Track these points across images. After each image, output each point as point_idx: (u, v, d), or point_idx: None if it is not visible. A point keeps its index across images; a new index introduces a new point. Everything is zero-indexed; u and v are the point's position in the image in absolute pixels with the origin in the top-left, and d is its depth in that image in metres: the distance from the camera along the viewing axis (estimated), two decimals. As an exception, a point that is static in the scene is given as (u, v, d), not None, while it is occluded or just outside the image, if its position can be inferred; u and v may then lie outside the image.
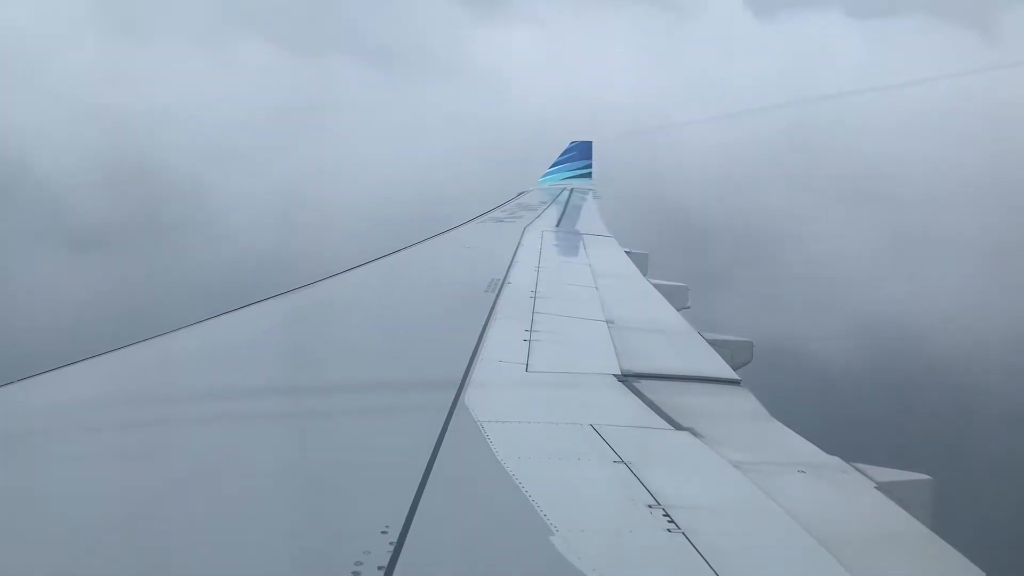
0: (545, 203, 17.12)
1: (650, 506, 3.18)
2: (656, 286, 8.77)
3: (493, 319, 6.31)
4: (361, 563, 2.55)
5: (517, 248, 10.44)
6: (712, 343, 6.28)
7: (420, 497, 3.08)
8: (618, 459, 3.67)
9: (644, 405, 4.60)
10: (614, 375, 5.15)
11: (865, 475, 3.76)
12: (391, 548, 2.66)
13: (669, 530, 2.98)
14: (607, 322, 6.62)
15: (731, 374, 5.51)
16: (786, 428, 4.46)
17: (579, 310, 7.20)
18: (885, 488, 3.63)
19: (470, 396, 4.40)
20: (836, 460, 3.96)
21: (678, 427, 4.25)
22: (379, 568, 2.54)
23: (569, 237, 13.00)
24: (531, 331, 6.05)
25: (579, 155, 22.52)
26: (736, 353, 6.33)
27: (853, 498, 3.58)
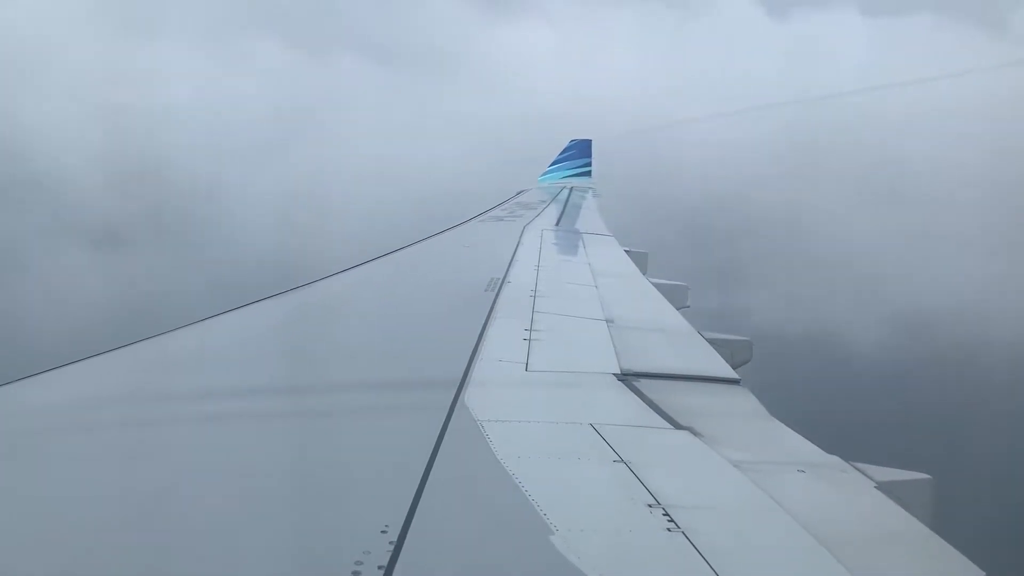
0: (545, 202, 17.12)
1: (650, 505, 3.18)
2: (656, 285, 8.77)
3: (493, 318, 6.31)
4: (361, 563, 2.55)
5: (517, 247, 10.43)
6: (712, 342, 6.29)
7: (420, 497, 3.08)
8: (618, 458, 3.67)
9: (644, 404, 4.59)
10: (614, 374, 5.15)
11: (865, 474, 3.76)
12: (391, 548, 2.66)
13: (669, 529, 2.98)
14: (607, 321, 6.62)
15: (731, 373, 5.51)
16: (786, 427, 4.46)
17: (579, 309, 7.20)
18: (885, 487, 3.63)
19: (470, 395, 4.40)
20: (836, 459, 3.96)
21: (678, 426, 4.25)
22: (379, 568, 2.54)
23: (569, 236, 13.00)
24: (531, 330, 6.04)
25: (578, 153, 22.51)
26: (736, 352, 6.33)
27: (853, 497, 3.58)
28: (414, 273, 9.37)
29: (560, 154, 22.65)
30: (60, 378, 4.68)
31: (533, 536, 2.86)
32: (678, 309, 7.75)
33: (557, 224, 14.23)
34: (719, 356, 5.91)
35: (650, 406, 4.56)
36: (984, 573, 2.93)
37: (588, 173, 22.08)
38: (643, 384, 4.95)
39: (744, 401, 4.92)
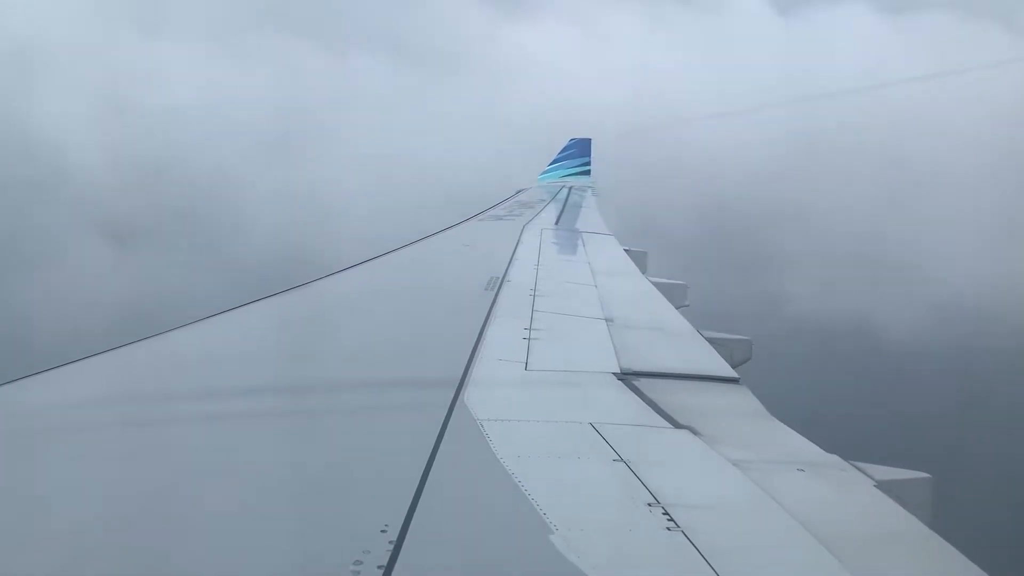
0: (544, 201, 17.13)
1: (649, 505, 3.18)
2: (655, 284, 8.78)
3: (492, 317, 6.31)
4: (361, 562, 2.55)
5: (516, 246, 10.43)
6: (711, 341, 6.29)
7: (419, 496, 3.08)
8: (617, 458, 3.67)
9: (643, 403, 4.60)
10: (613, 373, 5.15)
11: (864, 473, 3.76)
12: (391, 547, 2.66)
13: (669, 529, 2.98)
14: (606, 320, 6.62)
15: (730, 372, 5.51)
16: (785, 426, 4.47)
17: (578, 308, 7.20)
18: (884, 486, 3.63)
19: (469, 395, 4.40)
20: (835, 458, 3.96)
21: (677, 425, 4.25)
22: (379, 567, 2.54)
23: (568, 235, 13.01)
24: (530, 329, 6.05)
25: (578, 152, 22.54)
26: (735, 351, 6.34)
27: (852, 496, 3.58)
28: (414, 272, 9.36)
29: (560, 153, 22.68)
30: (60, 378, 4.68)
31: (533, 535, 2.86)
32: (678, 308, 7.76)
33: (557, 223, 14.24)
34: (718, 355, 5.91)
35: (650, 405, 4.56)
36: (984, 572, 2.93)
37: (588, 172, 22.10)
38: (643, 383, 4.95)
39: (744, 400, 4.92)
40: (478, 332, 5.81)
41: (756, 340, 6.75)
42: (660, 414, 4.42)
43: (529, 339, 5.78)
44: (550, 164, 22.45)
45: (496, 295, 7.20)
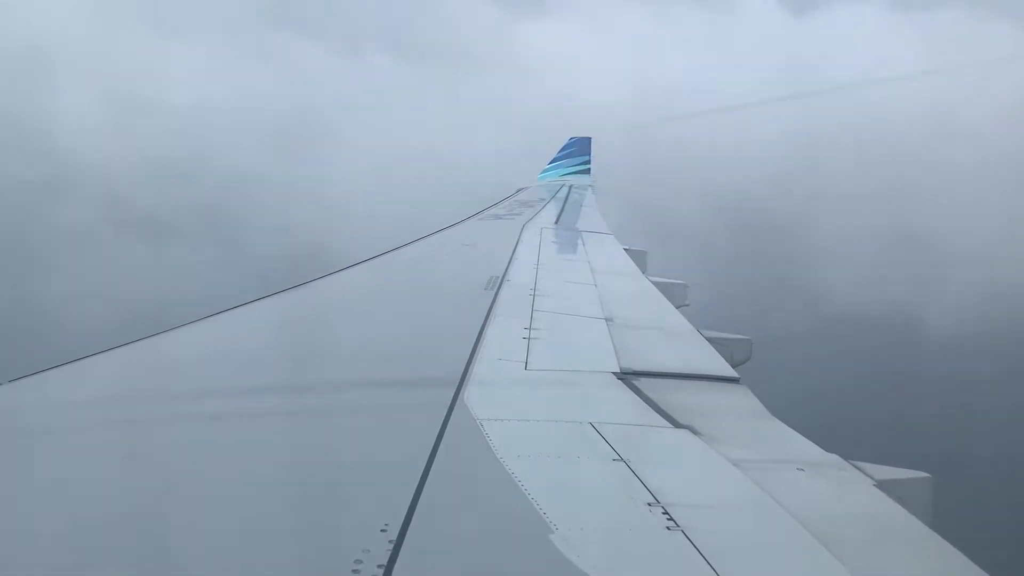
0: (544, 200, 17.11)
1: (649, 504, 3.18)
2: (655, 283, 8.78)
3: (492, 317, 6.31)
4: (361, 561, 2.55)
5: (516, 245, 10.42)
6: (711, 341, 6.29)
7: (419, 495, 3.08)
8: (617, 457, 3.67)
9: (643, 403, 4.60)
10: (613, 373, 5.15)
11: (864, 473, 3.76)
12: (390, 546, 2.66)
13: (668, 528, 2.98)
14: (606, 320, 6.62)
15: (730, 372, 5.51)
16: (785, 426, 4.47)
17: (578, 308, 7.20)
18: (884, 486, 3.64)
19: (469, 394, 4.40)
20: (835, 458, 3.96)
21: (677, 425, 4.25)
22: (379, 566, 2.54)
23: (568, 234, 13.00)
24: (530, 329, 6.04)
25: (578, 151, 22.52)
26: (735, 351, 6.34)
27: (852, 496, 3.58)
28: (414, 271, 9.36)
29: (560, 151, 22.66)
30: (60, 377, 4.67)
31: (533, 535, 2.86)
32: (677, 308, 7.76)
33: (556, 222, 14.23)
34: (718, 355, 5.91)
35: (649, 405, 4.56)
36: (984, 572, 2.93)
37: (588, 171, 22.08)
38: (643, 383, 4.95)
39: (743, 400, 4.92)
40: (478, 331, 5.81)
41: (756, 340, 6.75)
42: (660, 414, 4.41)
43: (529, 338, 5.78)
44: (550, 163, 22.43)
45: (496, 294, 7.19)
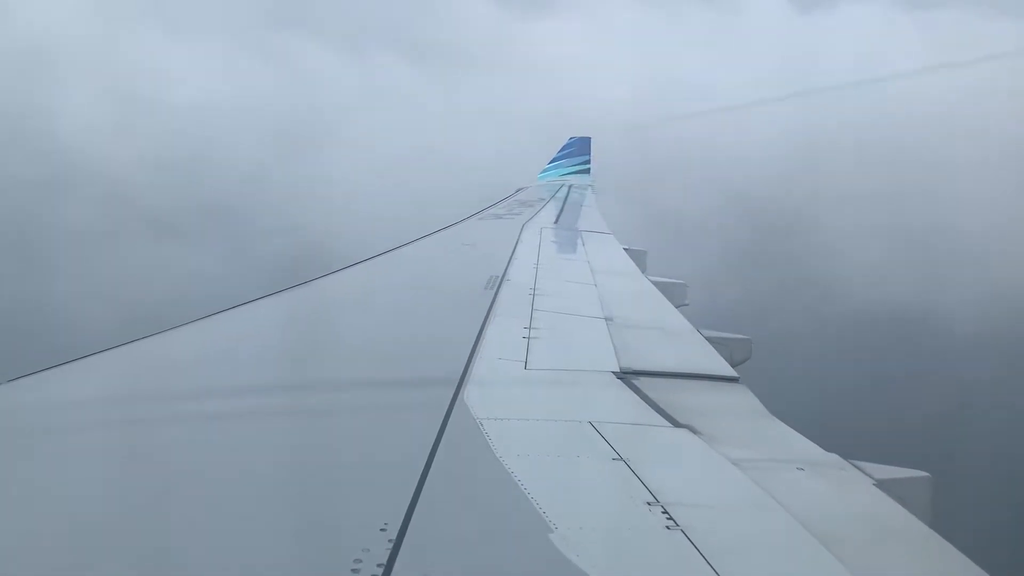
0: (544, 199, 17.10)
1: (649, 503, 3.18)
2: (655, 283, 8.78)
3: (492, 316, 6.31)
4: (360, 560, 2.55)
5: (516, 245, 10.42)
6: (711, 340, 6.28)
7: (419, 495, 3.08)
8: (617, 456, 3.67)
9: (643, 402, 4.60)
10: (613, 372, 5.15)
11: (864, 472, 3.76)
12: (390, 546, 2.66)
13: (668, 527, 2.98)
14: (606, 319, 6.62)
15: (730, 371, 5.51)
16: (785, 425, 4.47)
17: (578, 307, 7.20)
18: (884, 485, 3.64)
19: (469, 393, 4.40)
20: (835, 457, 3.96)
21: (677, 424, 4.25)
22: (378, 566, 2.54)
23: (568, 234, 13.00)
24: (530, 328, 6.04)
25: (578, 151, 22.51)
26: (735, 350, 6.33)
27: (852, 495, 3.58)
28: (413, 271, 9.36)
29: (559, 151, 22.66)
30: (60, 377, 4.67)
31: (532, 534, 2.86)
32: (677, 307, 7.76)
33: (556, 222, 14.22)
34: (718, 354, 5.91)
35: (649, 404, 4.56)
36: (984, 572, 2.93)
37: (587, 171, 22.08)
38: (642, 382, 4.95)
39: (743, 399, 4.92)
40: (478, 331, 5.81)
41: (756, 340, 6.74)
42: (660, 413, 4.41)
43: (529, 338, 5.78)
44: (550, 162, 22.43)
45: (496, 294, 7.19)
